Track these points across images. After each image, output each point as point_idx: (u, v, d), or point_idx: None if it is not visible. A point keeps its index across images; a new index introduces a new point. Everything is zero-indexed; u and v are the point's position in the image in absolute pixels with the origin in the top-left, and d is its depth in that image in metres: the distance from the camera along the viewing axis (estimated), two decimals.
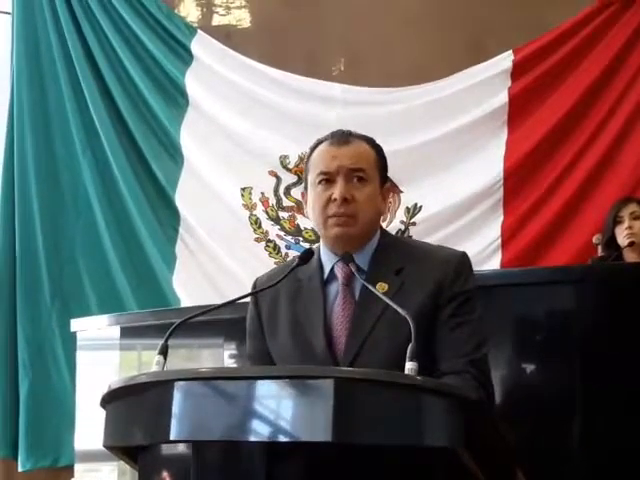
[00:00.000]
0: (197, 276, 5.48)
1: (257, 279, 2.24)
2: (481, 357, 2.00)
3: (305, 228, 5.45)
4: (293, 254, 5.27)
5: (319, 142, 2.17)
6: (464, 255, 2.11)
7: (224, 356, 3.64)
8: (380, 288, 2.01)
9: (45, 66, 5.69)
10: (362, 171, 2.09)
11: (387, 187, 2.20)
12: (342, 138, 2.13)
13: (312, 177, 2.12)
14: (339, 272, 2.10)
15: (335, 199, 2.05)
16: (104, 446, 1.78)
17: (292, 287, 2.11)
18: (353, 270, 2.02)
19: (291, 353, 2.06)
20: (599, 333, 2.93)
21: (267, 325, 2.15)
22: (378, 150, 2.18)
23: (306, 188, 2.17)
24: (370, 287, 1.97)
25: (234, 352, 3.65)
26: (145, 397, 1.67)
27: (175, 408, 1.60)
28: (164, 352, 1.84)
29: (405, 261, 2.07)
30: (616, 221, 4.12)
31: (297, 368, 1.69)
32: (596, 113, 5.09)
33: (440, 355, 1.96)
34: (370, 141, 2.18)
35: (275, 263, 5.38)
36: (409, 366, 1.64)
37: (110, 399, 1.77)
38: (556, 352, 2.92)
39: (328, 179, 2.08)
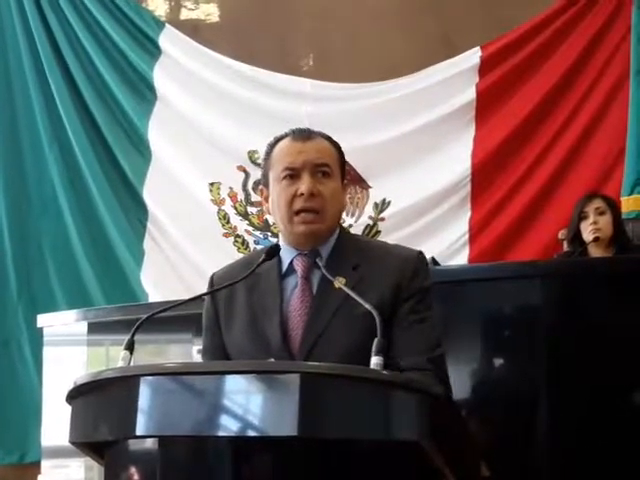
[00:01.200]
0: (165, 271, 5.47)
1: (214, 274, 2.21)
2: (440, 355, 2.00)
3: (274, 223, 5.44)
4: None
5: (278, 139, 2.15)
6: (421, 254, 2.10)
7: (192, 351, 3.63)
8: (338, 283, 2.00)
9: (11, 59, 5.65)
10: (327, 166, 2.08)
11: (345, 184, 2.19)
12: (304, 134, 2.12)
13: (275, 172, 2.10)
14: (298, 265, 2.09)
15: (302, 194, 2.04)
16: (70, 442, 1.77)
17: (249, 280, 2.08)
18: (320, 265, 2.01)
19: (246, 346, 2.04)
20: (564, 327, 2.95)
21: (224, 319, 2.12)
22: (338, 147, 2.16)
23: (266, 185, 2.15)
24: (347, 289, 1.95)
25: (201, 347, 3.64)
26: (111, 392, 1.66)
27: (141, 403, 1.59)
28: (130, 347, 1.82)
29: (363, 258, 2.07)
30: (581, 217, 4.14)
31: (263, 363, 1.68)
32: (562, 109, 5.13)
33: (399, 352, 1.94)
34: (329, 138, 2.16)
35: None
36: (375, 361, 1.64)
37: (76, 395, 1.75)
38: (522, 346, 2.95)
39: (293, 174, 2.07)
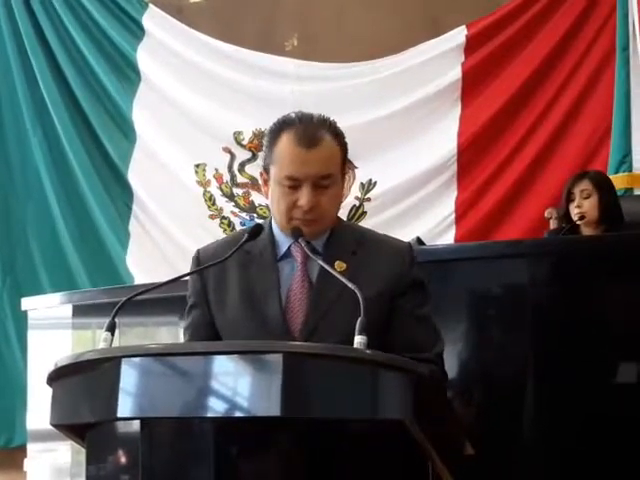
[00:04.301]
0: (151, 254, 5.46)
1: (199, 250, 2.17)
2: (441, 351, 2.06)
3: (260, 205, 5.44)
4: None
5: (282, 127, 2.05)
6: (411, 245, 2.15)
7: (180, 334, 3.62)
8: (338, 267, 2.00)
9: None
10: (330, 177, 2.02)
11: (347, 172, 2.15)
12: (310, 139, 2.00)
13: (276, 173, 2.03)
14: (297, 252, 2.06)
15: (301, 206, 2.00)
16: (51, 424, 1.77)
17: (241, 259, 2.06)
18: (309, 253, 1.99)
19: (243, 325, 2.03)
20: (551, 306, 2.95)
21: (214, 296, 2.09)
22: (342, 141, 2.08)
23: (266, 171, 2.08)
24: (325, 266, 1.95)
25: None
26: (92, 374, 1.65)
27: (122, 385, 1.58)
28: (111, 329, 1.81)
29: (359, 244, 2.07)
30: (569, 198, 4.14)
31: (246, 343, 1.67)
32: (548, 88, 5.11)
33: (407, 347, 1.95)
34: (335, 133, 2.06)
35: None
36: (358, 340, 1.64)
37: (57, 377, 1.74)
38: (508, 325, 2.94)
39: (294, 184, 2.00)
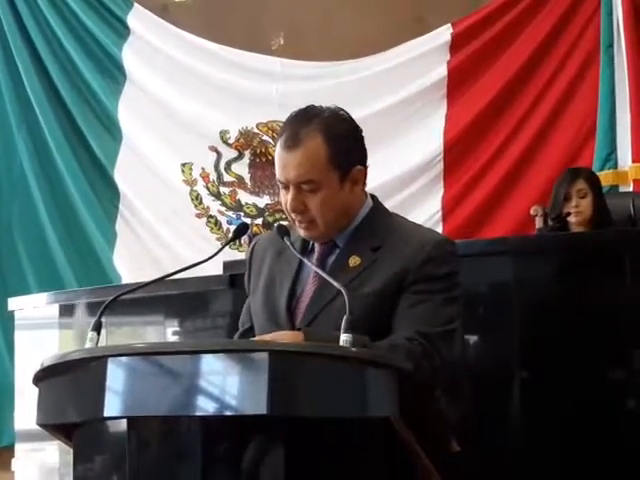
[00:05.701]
0: (138, 253, 5.45)
1: (256, 240, 2.25)
2: (436, 332, 1.92)
3: (246, 203, 5.44)
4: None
5: (284, 125, 2.07)
6: (443, 241, 2.05)
7: (167, 332, 3.62)
8: (352, 262, 2.01)
9: None
10: (310, 182, 1.98)
11: (357, 170, 2.10)
12: (292, 140, 1.98)
13: None
14: (317, 247, 2.10)
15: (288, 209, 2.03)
16: (37, 424, 1.77)
17: (278, 248, 2.12)
18: (295, 252, 2.03)
19: (261, 311, 2.09)
20: (537, 303, 2.96)
21: (253, 284, 2.17)
22: (334, 141, 2.03)
23: None
24: (312, 265, 1.97)
25: (176, 329, 3.63)
26: (78, 374, 1.66)
27: (109, 384, 1.59)
28: (97, 329, 1.82)
29: (386, 239, 2.03)
30: (565, 198, 4.15)
31: (232, 342, 1.69)
32: (534, 85, 5.13)
33: (393, 329, 1.93)
34: (326, 131, 2.02)
35: (217, 239, 5.38)
36: (344, 338, 1.64)
37: (43, 376, 1.75)
38: (494, 323, 2.95)
39: (284, 186, 2.03)
